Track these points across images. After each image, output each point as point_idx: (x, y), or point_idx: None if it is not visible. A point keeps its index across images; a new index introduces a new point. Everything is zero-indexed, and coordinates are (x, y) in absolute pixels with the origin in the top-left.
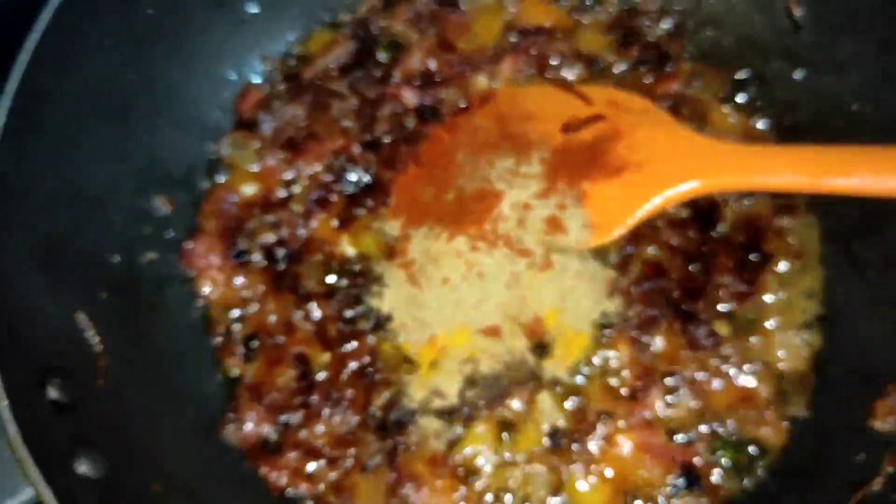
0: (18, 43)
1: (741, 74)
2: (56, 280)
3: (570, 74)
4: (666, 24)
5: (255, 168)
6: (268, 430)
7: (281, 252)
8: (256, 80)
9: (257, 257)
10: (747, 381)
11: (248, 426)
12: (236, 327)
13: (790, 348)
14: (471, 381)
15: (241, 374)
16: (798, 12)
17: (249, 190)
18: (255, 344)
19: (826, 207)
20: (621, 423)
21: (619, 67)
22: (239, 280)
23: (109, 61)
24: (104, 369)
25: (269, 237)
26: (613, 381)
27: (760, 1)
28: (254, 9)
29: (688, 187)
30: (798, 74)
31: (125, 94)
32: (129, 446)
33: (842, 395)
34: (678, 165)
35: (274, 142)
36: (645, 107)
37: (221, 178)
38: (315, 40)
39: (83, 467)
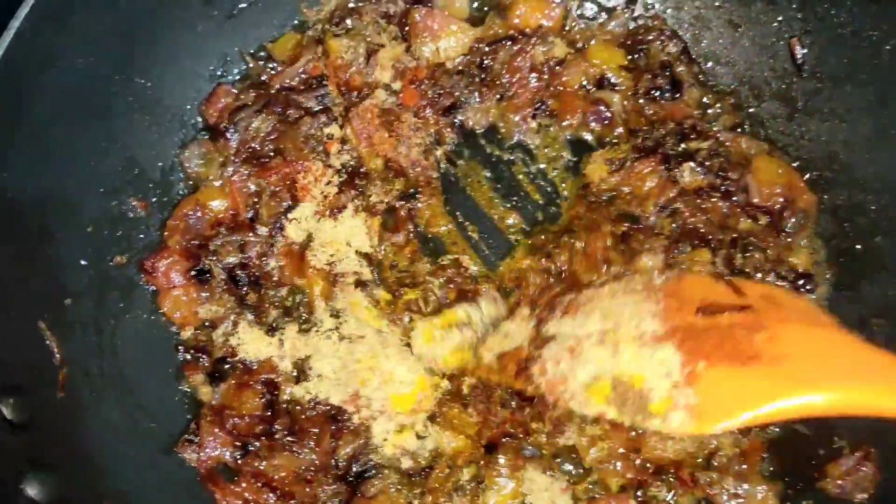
0: None
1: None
2: (20, 287)
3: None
4: (676, 47)
5: (217, 183)
6: (227, 455)
7: (243, 277)
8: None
9: (220, 279)
10: None
11: (208, 449)
12: (205, 345)
13: None
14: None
15: (207, 395)
16: (799, 53)
17: (218, 206)
18: (225, 366)
19: None
20: None
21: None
22: (203, 301)
23: (90, 56)
24: (63, 382)
25: (233, 259)
26: None
27: (765, 41)
28: (242, 4)
29: (827, 398)
30: (792, 118)
31: (104, 92)
32: (82, 464)
33: (797, 453)
34: (828, 369)
35: (237, 153)
36: (805, 307)
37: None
38: (280, 43)
39: (32, 490)
